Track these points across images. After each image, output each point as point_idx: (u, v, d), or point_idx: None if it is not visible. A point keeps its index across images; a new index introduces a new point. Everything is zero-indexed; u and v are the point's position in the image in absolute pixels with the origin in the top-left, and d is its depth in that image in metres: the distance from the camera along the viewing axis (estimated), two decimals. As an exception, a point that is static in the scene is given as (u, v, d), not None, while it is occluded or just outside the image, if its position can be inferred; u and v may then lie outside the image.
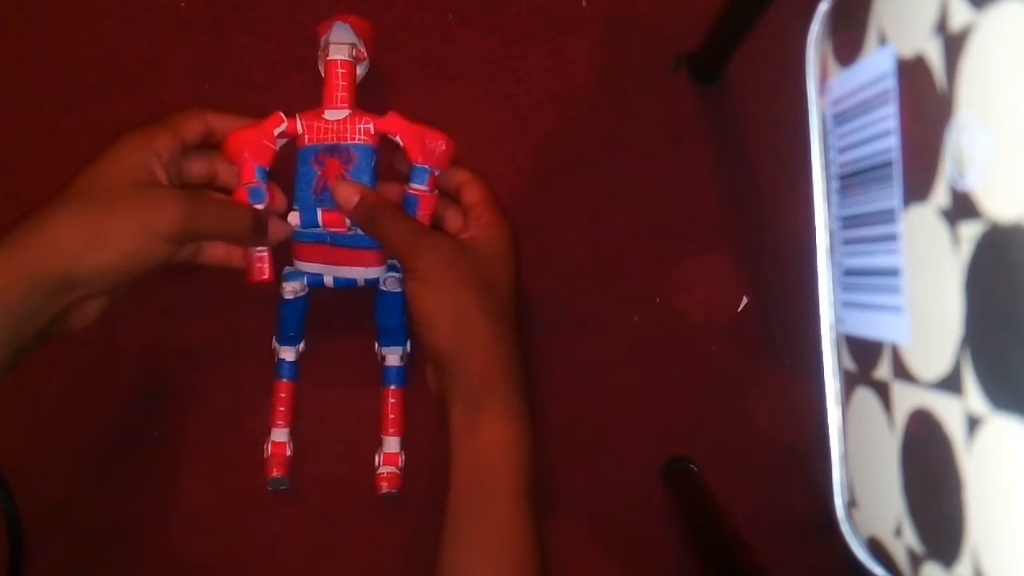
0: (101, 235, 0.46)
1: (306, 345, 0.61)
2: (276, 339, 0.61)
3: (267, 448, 0.61)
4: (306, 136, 0.56)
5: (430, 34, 0.63)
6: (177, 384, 0.62)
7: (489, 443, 0.49)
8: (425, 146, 0.55)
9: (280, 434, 0.61)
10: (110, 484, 0.62)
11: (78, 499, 0.61)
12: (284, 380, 0.61)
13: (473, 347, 0.50)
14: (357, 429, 0.62)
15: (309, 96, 0.59)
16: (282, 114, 0.55)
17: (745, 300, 0.63)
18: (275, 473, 0.60)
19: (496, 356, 0.51)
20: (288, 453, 0.61)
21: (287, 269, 0.58)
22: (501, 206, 0.55)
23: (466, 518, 0.48)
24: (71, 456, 0.62)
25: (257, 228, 0.53)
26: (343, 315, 0.62)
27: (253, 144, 0.55)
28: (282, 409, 0.61)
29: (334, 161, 0.55)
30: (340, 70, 0.56)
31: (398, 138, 0.55)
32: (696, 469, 0.62)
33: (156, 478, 0.62)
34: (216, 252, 0.55)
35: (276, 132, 0.55)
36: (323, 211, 0.55)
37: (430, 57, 0.62)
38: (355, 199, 0.52)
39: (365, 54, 0.57)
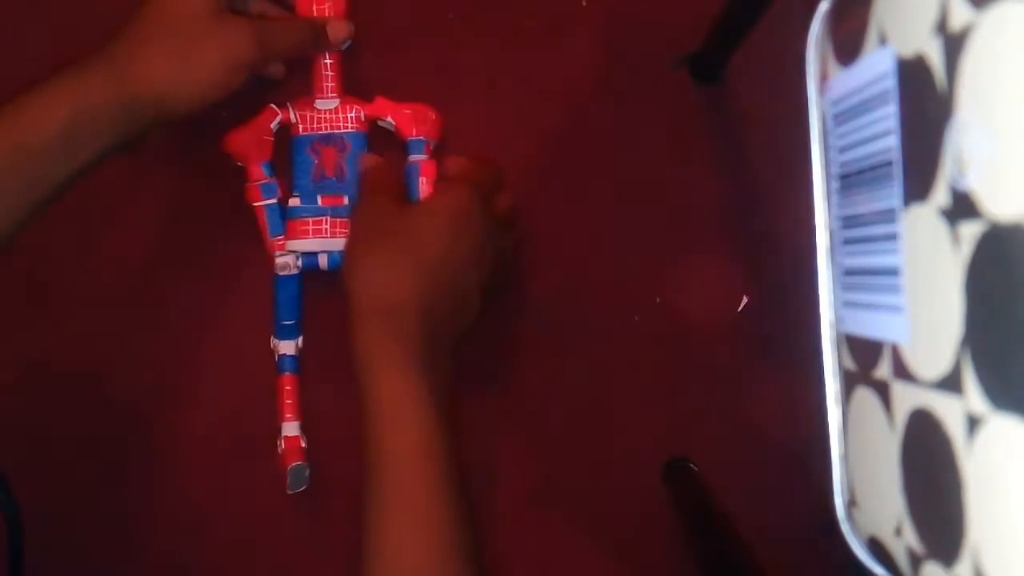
0: (192, 68, 0.50)
1: (304, 341, 0.61)
2: (274, 335, 0.61)
3: (280, 443, 0.60)
4: (300, 126, 0.59)
5: (430, 34, 0.63)
6: (177, 384, 0.62)
7: (391, 397, 0.47)
8: (416, 120, 0.59)
9: (291, 428, 0.60)
10: (110, 484, 0.62)
11: (78, 499, 0.61)
12: (287, 374, 0.60)
13: (383, 296, 0.50)
14: (355, 428, 0.61)
15: (307, 93, 0.60)
16: (274, 106, 0.59)
17: (745, 300, 0.63)
18: (293, 462, 0.59)
19: (407, 308, 0.49)
20: (303, 445, 0.60)
21: (278, 253, 0.59)
22: (479, 184, 0.54)
23: (373, 476, 0.47)
24: (71, 456, 0.62)
25: (318, 38, 0.57)
26: (336, 315, 0.62)
27: (254, 143, 0.58)
28: (289, 402, 0.60)
29: (330, 150, 0.58)
30: (327, 60, 0.59)
31: (389, 119, 0.59)
32: (696, 469, 0.62)
33: (156, 478, 0.62)
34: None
35: (272, 126, 0.58)
36: (323, 197, 0.58)
37: (430, 57, 0.62)
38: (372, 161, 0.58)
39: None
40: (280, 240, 0.59)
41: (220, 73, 0.51)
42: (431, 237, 0.51)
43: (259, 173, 0.59)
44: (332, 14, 0.58)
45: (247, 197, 0.59)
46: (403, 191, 0.58)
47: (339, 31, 0.57)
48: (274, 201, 0.59)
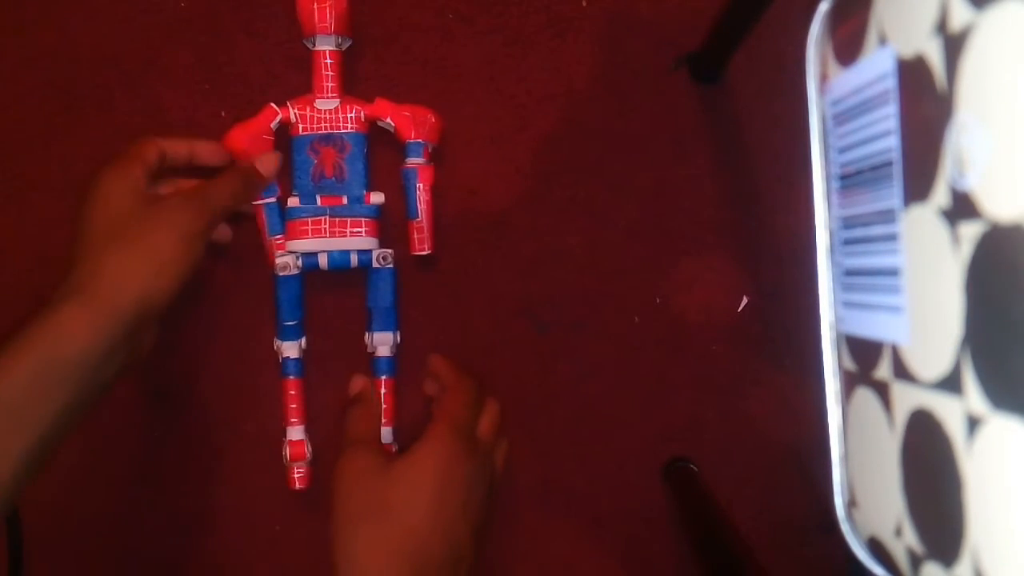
0: (157, 260, 0.49)
1: (308, 343, 0.61)
2: (277, 336, 0.61)
3: (286, 452, 0.60)
4: (300, 125, 0.59)
5: (430, 34, 0.63)
6: (177, 384, 0.62)
7: None
8: (415, 122, 0.59)
9: (296, 432, 0.60)
10: (110, 484, 0.62)
11: (78, 499, 0.61)
12: (292, 377, 0.61)
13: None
14: (357, 429, 0.62)
15: (307, 92, 0.60)
16: (274, 105, 0.59)
17: (745, 300, 0.63)
18: (299, 486, 0.60)
19: None
20: (307, 452, 0.60)
21: (278, 253, 0.59)
22: (466, 420, 0.53)
23: None
24: (71, 456, 0.62)
25: (251, 181, 0.57)
26: (337, 317, 0.62)
27: (254, 141, 0.58)
28: (294, 406, 0.60)
29: (329, 150, 0.59)
30: (327, 60, 0.59)
31: (388, 120, 0.59)
32: (696, 469, 0.62)
33: (156, 478, 0.62)
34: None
35: (272, 125, 0.59)
36: (322, 197, 0.59)
37: (430, 57, 0.63)
38: (356, 389, 0.58)
39: (348, 32, 0.60)
40: (279, 239, 0.59)
41: (179, 251, 0.50)
42: (418, 506, 0.49)
43: None
44: (333, 12, 0.58)
45: None
46: (380, 436, 0.57)
47: (268, 164, 0.58)
48: (273, 200, 0.59)
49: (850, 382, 0.33)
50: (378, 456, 0.52)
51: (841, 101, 0.32)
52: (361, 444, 0.53)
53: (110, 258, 0.48)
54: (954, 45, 0.24)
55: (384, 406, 0.61)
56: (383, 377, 0.61)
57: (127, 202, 0.50)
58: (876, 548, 0.32)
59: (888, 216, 0.29)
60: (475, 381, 0.57)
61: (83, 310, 0.46)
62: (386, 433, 0.61)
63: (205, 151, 0.57)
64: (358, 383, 0.58)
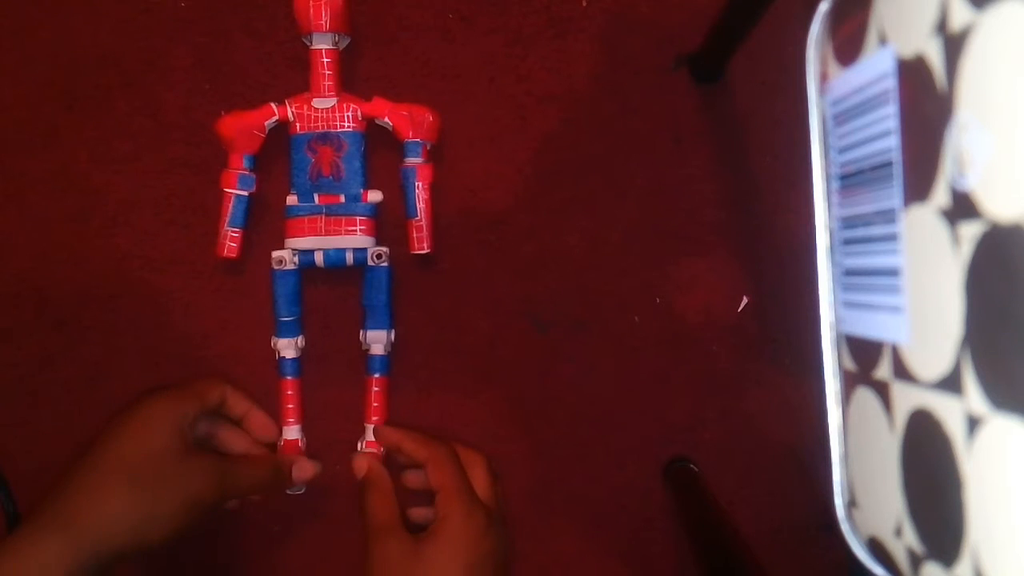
0: (155, 514, 0.49)
1: (305, 342, 0.61)
2: (274, 334, 0.61)
3: (280, 446, 0.60)
4: (297, 124, 0.59)
5: (430, 34, 0.63)
6: (176, 384, 0.62)
7: None
8: (413, 121, 0.59)
9: (291, 431, 0.61)
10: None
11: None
12: (289, 377, 0.61)
13: None
14: (353, 429, 0.62)
15: (305, 91, 0.60)
16: (273, 105, 0.59)
17: (745, 300, 0.63)
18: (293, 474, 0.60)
19: None
20: (303, 447, 0.61)
21: (275, 252, 0.59)
22: (470, 488, 0.53)
23: None
24: (71, 456, 0.61)
25: (281, 478, 0.58)
26: (336, 317, 0.62)
27: (244, 133, 0.59)
28: (290, 406, 0.61)
29: (326, 149, 0.59)
30: (325, 59, 0.59)
31: (386, 119, 0.60)
32: (696, 469, 0.62)
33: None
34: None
35: (267, 124, 0.59)
36: (319, 195, 0.59)
37: (430, 57, 0.63)
38: (363, 470, 0.57)
39: (346, 30, 0.60)
40: (233, 232, 0.59)
41: (180, 516, 0.50)
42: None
43: (239, 162, 0.59)
44: (329, 10, 0.58)
45: (221, 181, 0.59)
46: (401, 516, 0.55)
47: (304, 471, 0.58)
48: (245, 194, 0.59)
49: (850, 382, 0.33)
50: (405, 542, 0.52)
51: (841, 101, 0.32)
52: (385, 531, 0.53)
53: (112, 503, 0.48)
54: (954, 45, 0.24)
55: (375, 404, 0.61)
56: (376, 375, 0.61)
57: (162, 442, 0.51)
58: (876, 548, 0.32)
59: (888, 216, 0.29)
60: (442, 441, 0.56)
61: (63, 549, 0.46)
62: (372, 431, 0.61)
63: (257, 421, 0.58)
64: (363, 463, 0.58)
